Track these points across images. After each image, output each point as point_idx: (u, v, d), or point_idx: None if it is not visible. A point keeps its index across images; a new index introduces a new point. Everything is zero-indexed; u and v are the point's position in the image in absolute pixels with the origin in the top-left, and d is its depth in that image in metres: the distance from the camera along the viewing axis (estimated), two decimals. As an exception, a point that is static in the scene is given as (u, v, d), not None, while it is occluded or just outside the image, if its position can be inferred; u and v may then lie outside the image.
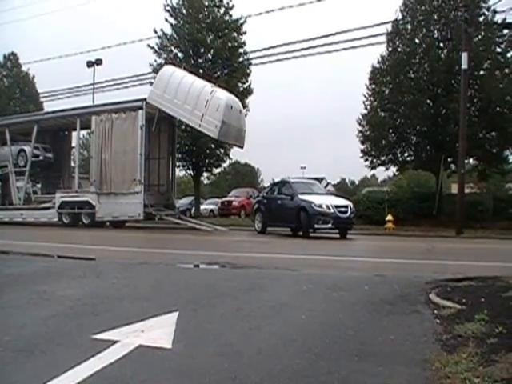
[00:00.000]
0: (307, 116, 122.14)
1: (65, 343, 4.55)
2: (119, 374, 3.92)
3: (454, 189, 28.55)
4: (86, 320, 5.35)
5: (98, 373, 3.90)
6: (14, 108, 44.81)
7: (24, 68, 50.33)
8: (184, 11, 31.37)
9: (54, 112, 26.15)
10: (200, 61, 31.53)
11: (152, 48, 31.31)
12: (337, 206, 17.81)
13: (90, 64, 36.54)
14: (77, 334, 4.75)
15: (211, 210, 35.46)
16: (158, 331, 4.89)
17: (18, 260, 9.61)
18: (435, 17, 28.02)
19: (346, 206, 18.20)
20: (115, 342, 4.54)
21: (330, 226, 17.68)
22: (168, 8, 31.56)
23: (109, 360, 4.14)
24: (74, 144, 30.28)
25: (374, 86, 30.51)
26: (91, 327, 4.83)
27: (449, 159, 28.09)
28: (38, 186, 30.36)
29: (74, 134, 28.03)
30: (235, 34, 31.88)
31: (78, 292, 6.61)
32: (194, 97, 20.42)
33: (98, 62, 36.58)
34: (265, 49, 26.66)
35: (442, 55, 27.88)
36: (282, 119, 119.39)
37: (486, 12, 26.34)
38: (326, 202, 18.04)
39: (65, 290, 6.73)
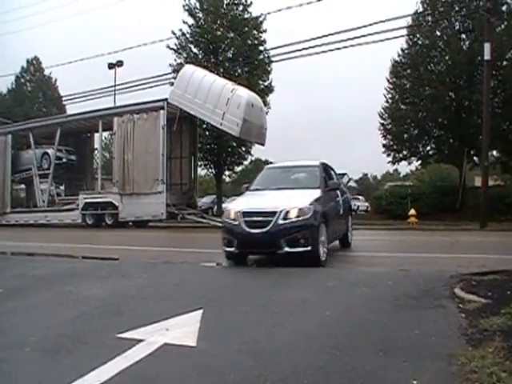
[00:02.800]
0: (330, 112, 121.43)
1: (90, 343, 4.60)
2: (144, 373, 3.95)
3: (478, 182, 28.25)
4: (111, 319, 5.41)
5: (123, 371, 3.93)
6: (38, 112, 45.29)
7: (46, 72, 50.84)
8: (205, 7, 31.36)
9: (76, 114, 26.37)
10: (220, 59, 31.54)
11: (171, 49, 31.43)
12: (249, 214, 8.78)
13: (111, 66, 36.74)
14: (102, 333, 4.80)
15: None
16: (183, 329, 4.91)
17: (43, 261, 9.73)
18: (456, 8, 27.68)
19: (272, 213, 8.59)
20: (140, 340, 4.58)
21: (232, 249, 8.96)
22: (187, 7, 31.64)
23: (134, 359, 4.17)
24: (96, 146, 30.58)
25: (394, 80, 30.29)
26: (116, 326, 4.88)
27: (472, 152, 27.77)
28: (62, 188, 30.65)
29: (97, 135, 28.27)
30: (255, 32, 31.82)
31: (103, 292, 6.69)
32: (214, 95, 20.42)
33: (119, 63, 36.78)
34: (285, 45, 26.51)
35: (464, 47, 27.51)
36: (304, 115, 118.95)
37: (509, 1, 25.95)
38: (244, 206, 9.18)
39: (90, 290, 6.80)
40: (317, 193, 9.34)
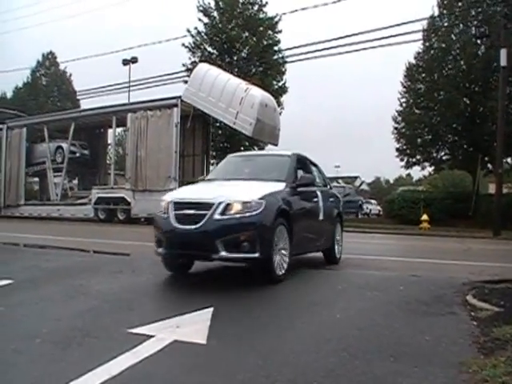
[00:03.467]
0: (344, 114, 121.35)
1: (101, 337, 4.61)
2: (154, 369, 3.96)
3: (491, 189, 28.01)
4: (121, 314, 5.42)
5: (133, 367, 3.94)
6: (52, 106, 45.60)
7: (62, 67, 51.17)
8: (221, 6, 31.40)
9: (90, 109, 26.45)
10: (234, 59, 31.58)
11: (186, 47, 31.50)
12: (181, 206, 6.80)
13: (125, 62, 36.88)
14: (112, 328, 4.81)
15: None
16: (193, 327, 4.91)
17: (54, 254, 9.76)
18: (473, 12, 27.53)
19: (208, 206, 6.54)
20: (150, 336, 4.59)
21: (160, 250, 6.96)
22: (202, 8, 31.70)
23: (144, 354, 4.18)
24: (109, 141, 30.71)
25: (409, 83, 30.19)
26: (127, 322, 4.89)
27: (486, 158, 27.61)
28: (75, 182, 30.81)
29: (110, 131, 28.36)
30: (270, 32, 31.83)
31: (114, 287, 6.70)
32: (228, 94, 20.42)
33: (134, 60, 36.90)
34: (299, 46, 26.52)
35: (479, 52, 27.37)
36: (318, 117, 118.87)
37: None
38: (178, 195, 7.42)
39: (101, 284, 6.82)
40: (279, 186, 7.32)
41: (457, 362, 3.98)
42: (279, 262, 6.87)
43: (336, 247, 9.70)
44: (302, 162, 8.93)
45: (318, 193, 8.82)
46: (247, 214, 6.48)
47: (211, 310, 5.50)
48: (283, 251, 7.02)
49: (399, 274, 8.43)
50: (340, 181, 50.61)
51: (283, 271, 6.98)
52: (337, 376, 3.77)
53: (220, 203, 6.47)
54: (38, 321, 5.13)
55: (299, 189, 7.85)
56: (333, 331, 4.90)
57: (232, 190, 7.02)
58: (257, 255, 6.42)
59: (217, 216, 6.42)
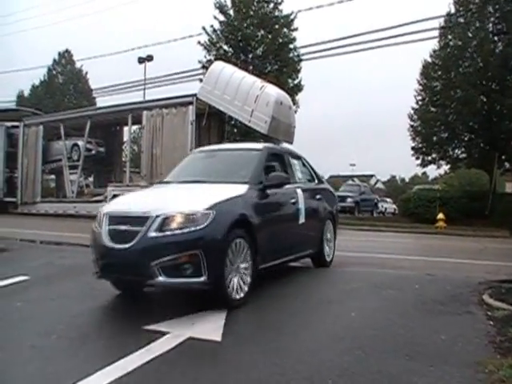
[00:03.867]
0: (360, 112, 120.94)
1: (116, 333, 4.65)
2: (169, 366, 3.98)
3: (508, 187, 27.88)
4: (137, 311, 5.45)
5: (147, 363, 3.97)
6: (68, 104, 45.91)
7: (78, 65, 51.51)
8: (236, 3, 31.41)
9: (106, 107, 26.53)
10: (250, 57, 31.57)
11: (202, 45, 31.55)
12: (116, 219, 5.61)
13: (141, 60, 37.01)
14: (128, 324, 4.85)
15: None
16: (208, 324, 4.93)
17: (71, 251, 9.82)
18: (490, 9, 27.27)
19: (143, 220, 5.33)
20: (165, 333, 4.61)
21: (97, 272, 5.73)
22: (218, 4, 31.74)
23: (159, 351, 4.21)
24: (125, 139, 30.83)
25: (425, 81, 30.02)
26: (142, 318, 4.92)
27: (502, 157, 27.39)
28: (91, 179, 30.97)
29: (126, 129, 28.46)
30: (285, 30, 31.78)
31: (129, 284, 6.72)
32: (243, 92, 20.37)
33: (149, 58, 37.02)
34: (315, 44, 26.47)
35: (497, 49, 27.12)
36: (333, 116, 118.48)
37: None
38: (114, 206, 6.23)
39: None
40: (239, 190, 6.14)
41: (473, 362, 3.96)
42: (237, 284, 5.59)
43: (326, 249, 8.61)
44: (277, 157, 7.75)
45: (299, 192, 7.60)
46: (189, 230, 5.21)
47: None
48: (243, 269, 5.74)
49: (415, 272, 8.39)
50: (355, 179, 50.40)
51: (242, 294, 5.66)
52: (352, 374, 3.77)
53: (157, 216, 5.27)
54: (54, 317, 5.18)
55: (269, 191, 6.60)
56: (347, 330, 4.89)
57: (175, 199, 5.90)
58: (203, 279, 5.13)
59: (152, 233, 5.21)
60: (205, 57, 31.70)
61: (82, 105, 40.08)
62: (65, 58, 53.20)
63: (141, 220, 5.31)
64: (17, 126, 26.82)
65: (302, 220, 7.50)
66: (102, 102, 37.51)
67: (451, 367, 3.89)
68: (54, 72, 52.75)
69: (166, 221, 5.25)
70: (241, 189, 6.18)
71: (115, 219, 5.57)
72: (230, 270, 5.47)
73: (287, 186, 7.27)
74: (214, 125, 24.35)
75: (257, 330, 4.93)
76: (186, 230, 5.20)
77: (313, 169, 9.06)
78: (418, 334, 4.76)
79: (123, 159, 30.26)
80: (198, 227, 5.23)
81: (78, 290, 6.39)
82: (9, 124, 27.05)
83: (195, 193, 6.20)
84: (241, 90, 20.53)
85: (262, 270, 6.17)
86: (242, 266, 5.73)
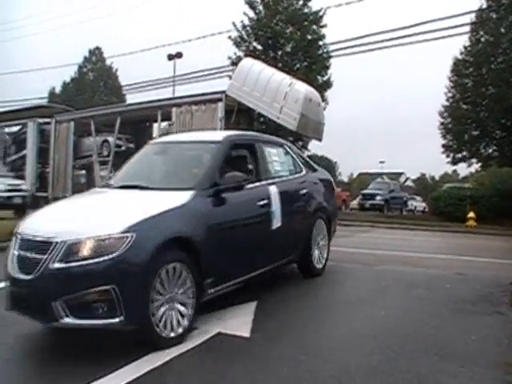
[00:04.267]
0: (389, 109, 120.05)
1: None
2: (198, 360, 4.02)
3: (542, 186, 27.28)
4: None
5: (177, 358, 4.02)
6: (99, 100, 46.40)
7: (108, 62, 52.04)
8: (266, 1, 31.43)
9: (136, 104, 26.72)
10: (279, 53, 31.54)
11: (232, 40, 31.62)
12: (24, 242, 4.53)
13: (170, 57, 37.20)
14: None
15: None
16: (237, 320, 4.97)
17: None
18: (524, 3, 26.80)
19: (46, 246, 4.27)
20: (194, 328, 4.64)
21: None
22: (247, 0, 31.76)
23: (188, 346, 4.25)
24: (154, 135, 31.04)
25: (456, 78, 29.66)
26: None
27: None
28: (120, 175, 31.27)
29: (155, 125, 28.67)
30: (314, 27, 31.67)
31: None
32: (272, 89, 20.39)
33: (179, 55, 37.19)
34: (344, 41, 26.34)
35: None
36: (363, 112, 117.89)
37: None
38: (29, 223, 4.87)
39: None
40: (180, 199, 4.92)
41: (503, 363, 3.93)
42: (172, 319, 4.50)
43: (315, 254, 7.32)
44: (245, 148, 6.44)
45: (273, 190, 6.27)
46: (100, 259, 4.13)
47: (255, 303, 5.56)
48: (182, 300, 4.59)
49: (444, 272, 8.32)
50: (384, 176, 50.05)
51: (181, 329, 4.53)
52: (381, 374, 3.76)
53: (62, 242, 4.19)
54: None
55: (225, 194, 5.34)
56: (376, 328, 4.88)
57: (92, 216, 4.73)
58: (118, 320, 4.10)
59: (55, 264, 4.15)
60: (234, 53, 31.80)
61: (112, 101, 40.52)
62: (95, 55, 53.81)
63: (44, 246, 4.25)
64: (48, 123, 27.20)
65: (276, 224, 6.16)
66: (131, 98, 37.68)
67: (481, 368, 3.88)
68: (85, 69, 53.40)
69: (72, 248, 4.17)
70: (182, 197, 4.95)
71: (24, 242, 4.52)
72: (159, 304, 4.36)
73: (254, 186, 6.01)
74: (242, 121, 24.38)
75: (285, 326, 4.94)
76: (95, 260, 4.12)
77: (301, 157, 7.88)
78: (448, 334, 4.74)
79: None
80: (110, 256, 4.14)
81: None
82: (41, 120, 27.46)
83: (120, 206, 5.00)
84: (270, 86, 20.56)
85: (215, 293, 5.07)
86: (180, 295, 4.57)
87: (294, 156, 7.52)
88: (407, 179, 74.87)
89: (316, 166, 8.21)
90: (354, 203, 35.03)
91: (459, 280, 7.43)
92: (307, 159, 8.11)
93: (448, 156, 30.11)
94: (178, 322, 4.51)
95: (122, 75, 52.85)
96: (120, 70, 53.25)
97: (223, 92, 21.95)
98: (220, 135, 6.33)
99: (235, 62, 28.24)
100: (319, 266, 7.42)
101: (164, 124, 28.42)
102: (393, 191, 33.34)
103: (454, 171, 68.95)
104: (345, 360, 4.03)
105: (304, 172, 7.48)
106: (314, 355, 4.12)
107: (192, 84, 29.34)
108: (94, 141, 26.96)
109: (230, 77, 24.63)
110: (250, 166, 6.38)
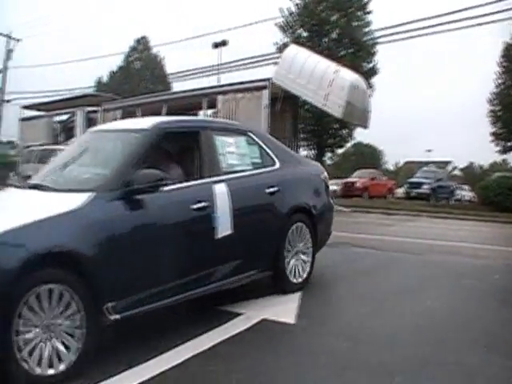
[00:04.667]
0: (438, 96, 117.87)
1: (189, 313, 4.71)
2: (241, 346, 4.03)
3: None
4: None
5: (220, 344, 4.05)
6: (145, 88, 46.91)
7: (154, 51, 52.58)
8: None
9: (181, 92, 27.03)
10: (324, 40, 31.29)
11: (279, 27, 31.52)
12: None
13: (215, 45, 37.30)
14: (202, 304, 4.90)
15: (334, 191, 35.25)
16: (281, 306, 4.97)
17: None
18: None
19: None
20: (239, 314, 4.67)
21: None
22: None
23: (231, 332, 4.28)
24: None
25: (507, 64, 28.90)
26: (216, 299, 4.99)
27: None
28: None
29: (201, 113, 28.88)
30: (360, 13, 31.29)
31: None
32: (318, 76, 20.33)
33: (224, 43, 37.25)
34: (392, 26, 25.95)
35: None
36: (410, 100, 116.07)
37: None
38: None
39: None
40: (70, 204, 3.90)
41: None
42: (50, 353, 3.50)
43: (289, 265, 5.69)
44: (182, 139, 5.35)
45: (218, 190, 4.91)
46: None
47: (300, 291, 5.53)
48: (64, 332, 3.60)
49: (493, 262, 8.16)
50: (431, 165, 49.23)
51: (64, 366, 3.54)
52: (427, 364, 3.75)
53: None
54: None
55: (142, 196, 4.23)
56: (424, 318, 4.85)
57: None
58: None
59: None
60: (280, 40, 31.70)
61: (158, 90, 40.87)
62: (141, 44, 54.36)
63: None
64: (96, 111, 27.71)
65: (224, 232, 4.83)
66: (177, 87, 38.04)
67: (530, 360, 3.79)
68: (131, 58, 54.01)
69: None
70: (74, 201, 3.94)
71: None
72: (31, 336, 3.42)
73: (188, 185, 4.82)
74: (287, 109, 24.35)
75: (331, 314, 4.94)
76: None
77: (276, 147, 6.16)
78: (496, 326, 4.70)
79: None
80: None
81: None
82: (89, 108, 27.98)
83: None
84: (315, 74, 20.50)
85: (125, 318, 3.97)
86: (64, 323, 3.59)
87: (264, 146, 5.89)
88: (455, 168, 73.46)
89: (302, 158, 7.30)
90: (400, 192, 34.60)
91: (508, 271, 7.29)
92: (287, 150, 6.60)
93: (498, 145, 29.43)
94: (59, 357, 3.53)
95: (167, 64, 53.40)
96: (166, 59, 53.77)
97: (268, 79, 21.97)
98: (150, 122, 5.00)
99: (281, 49, 28.14)
100: (296, 280, 5.75)
101: (209, 112, 28.67)
102: (440, 180, 32.75)
103: (504, 160, 67.41)
104: (391, 350, 4.00)
105: (277, 165, 5.88)
106: (360, 344, 4.10)
107: (237, 72, 29.38)
108: (140, 129, 27.36)
109: (276, 63, 24.58)
110: (190, 160, 5.16)
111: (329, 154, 37.52)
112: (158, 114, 26.36)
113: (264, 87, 22.00)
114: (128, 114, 27.83)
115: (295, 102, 24.15)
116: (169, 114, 26.46)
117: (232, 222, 4.89)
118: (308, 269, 5.94)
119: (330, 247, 6.93)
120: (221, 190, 4.90)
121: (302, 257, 5.90)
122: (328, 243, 6.51)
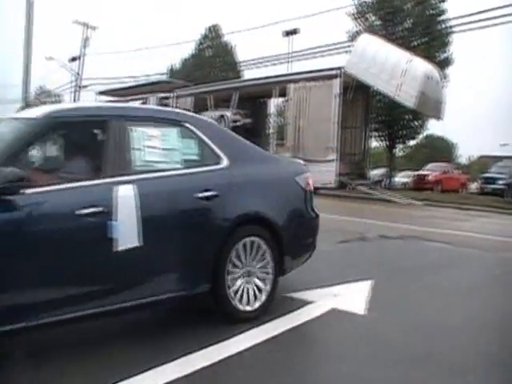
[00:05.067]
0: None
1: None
2: (313, 333, 4.09)
3: None
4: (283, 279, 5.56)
5: (292, 329, 4.12)
6: (216, 76, 47.38)
7: (225, 38, 52.98)
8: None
9: (252, 80, 27.18)
10: (397, 29, 30.67)
11: (351, 15, 31.11)
12: None
13: (286, 33, 37.20)
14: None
15: (405, 183, 34.65)
16: (352, 297, 4.98)
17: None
18: None
19: None
20: (309, 302, 4.70)
21: None
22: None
23: (303, 319, 4.32)
24: (270, 111, 31.32)
25: None
26: (286, 286, 5.01)
27: None
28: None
29: (271, 101, 28.92)
30: (435, 1, 30.47)
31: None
32: (390, 66, 20.04)
33: (295, 31, 37.10)
34: (468, 15, 25.16)
35: None
36: (485, 92, 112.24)
37: None
38: None
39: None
40: None
41: None
42: None
43: (232, 288, 4.30)
44: (83, 130, 4.33)
45: (121, 192, 3.84)
46: None
47: (369, 282, 5.53)
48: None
49: None
50: (507, 160, 47.57)
51: None
52: (497, 361, 3.70)
53: None
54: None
55: (12, 198, 3.42)
56: (494, 316, 4.81)
57: None
58: None
59: None
60: (353, 28, 31.29)
61: (229, 77, 41.20)
62: (213, 32, 54.85)
63: None
64: (168, 97, 28.24)
65: (127, 243, 3.80)
66: (248, 74, 38.25)
67: None
68: (203, 46, 54.60)
69: None
70: None
71: None
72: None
73: (76, 186, 3.79)
74: (358, 98, 24.12)
75: (400, 307, 4.91)
76: None
77: (225, 141, 4.85)
78: None
79: (267, 131, 30.80)
80: None
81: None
82: (162, 95, 28.53)
83: None
84: (388, 63, 20.22)
85: None
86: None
87: (207, 140, 4.60)
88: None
89: (268, 156, 6.21)
90: (473, 187, 33.66)
91: None
92: (245, 146, 5.27)
93: None
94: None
95: (238, 51, 53.69)
96: (237, 47, 54.06)
97: (340, 68, 21.81)
98: (43, 110, 4.14)
99: (353, 38, 27.81)
100: (246, 307, 4.39)
101: (280, 100, 28.70)
102: (514, 176, 31.65)
103: None
104: (460, 345, 3.96)
105: (224, 164, 4.59)
106: (430, 337, 4.07)
107: (308, 61, 29.22)
108: (211, 116, 27.66)
109: (347, 52, 24.36)
110: (89, 156, 4.14)
111: (400, 146, 36.89)
112: (229, 101, 26.72)
113: (336, 76, 21.84)
114: (199, 100, 28.35)
115: (367, 91, 23.86)
116: (239, 101, 26.79)
117: (141, 232, 3.86)
118: (264, 298, 4.49)
119: (401, 240, 6.89)
120: (125, 193, 3.89)
121: (257, 282, 4.50)
122: (398, 236, 6.45)
